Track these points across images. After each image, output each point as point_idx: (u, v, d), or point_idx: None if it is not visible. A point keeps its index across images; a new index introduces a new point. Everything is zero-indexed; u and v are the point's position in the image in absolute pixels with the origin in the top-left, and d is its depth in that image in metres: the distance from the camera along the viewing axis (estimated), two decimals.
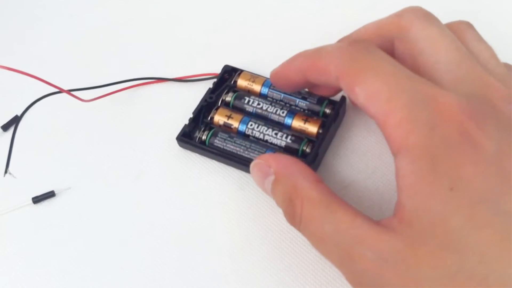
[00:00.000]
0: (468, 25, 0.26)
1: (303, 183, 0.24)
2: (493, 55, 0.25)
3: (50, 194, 0.31)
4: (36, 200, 0.31)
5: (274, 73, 0.28)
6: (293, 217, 0.24)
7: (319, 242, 0.23)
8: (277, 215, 0.29)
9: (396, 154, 0.22)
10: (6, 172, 0.30)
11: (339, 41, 0.29)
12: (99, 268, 0.29)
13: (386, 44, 0.26)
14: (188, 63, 0.36)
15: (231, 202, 0.30)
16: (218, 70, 0.33)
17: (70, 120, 0.34)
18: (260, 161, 0.26)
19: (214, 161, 0.31)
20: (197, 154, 0.31)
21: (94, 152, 0.32)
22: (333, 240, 0.22)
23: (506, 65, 0.26)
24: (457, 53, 0.24)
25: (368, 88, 0.23)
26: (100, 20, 0.39)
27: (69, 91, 0.31)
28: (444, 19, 0.26)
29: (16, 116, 0.34)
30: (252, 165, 0.26)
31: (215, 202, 0.30)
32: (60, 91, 0.31)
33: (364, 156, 0.30)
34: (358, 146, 0.31)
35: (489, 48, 0.26)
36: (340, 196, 0.24)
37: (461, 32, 0.26)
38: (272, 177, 0.25)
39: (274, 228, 0.29)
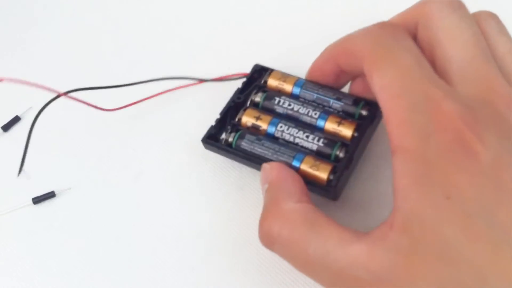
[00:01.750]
0: (491, 16, 0.25)
1: (285, 203, 0.24)
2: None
3: (50, 195, 0.31)
4: (37, 200, 0.31)
5: (309, 70, 0.29)
6: (266, 235, 0.23)
7: (305, 265, 0.22)
8: None
9: (393, 152, 0.22)
10: (20, 172, 0.30)
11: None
12: (99, 268, 0.28)
13: (410, 31, 0.25)
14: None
15: (231, 202, 0.30)
16: (246, 70, 0.31)
17: (71, 120, 0.34)
18: (267, 166, 0.26)
19: (214, 162, 0.31)
20: (197, 155, 0.31)
21: (94, 152, 0.32)
22: (321, 263, 0.21)
23: None
24: (472, 49, 0.23)
25: (383, 78, 0.23)
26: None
27: (91, 104, 0.30)
28: None
29: (17, 116, 0.34)
30: (262, 166, 0.26)
31: (215, 202, 0.30)
32: (71, 98, 0.30)
33: None
34: None
35: (509, 41, 0.25)
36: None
37: (481, 23, 0.25)
38: (266, 185, 0.25)
39: None
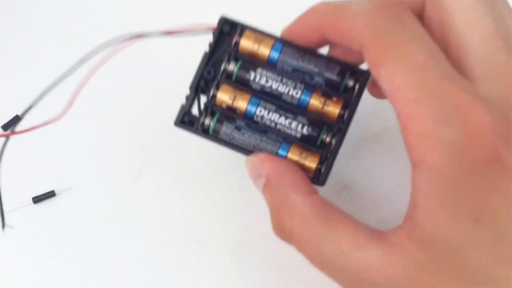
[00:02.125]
0: None
1: (294, 197, 0.22)
2: None
3: (50, 194, 0.31)
4: (36, 200, 0.31)
5: (287, 32, 0.24)
6: (282, 231, 0.22)
7: (321, 264, 0.21)
8: None
9: (414, 166, 0.19)
10: (3, 226, 0.30)
11: None
12: (99, 268, 0.29)
13: (415, 7, 0.22)
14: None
15: (231, 202, 0.30)
16: (206, 21, 0.25)
17: (70, 120, 0.34)
18: (254, 160, 0.24)
19: (213, 160, 0.31)
20: (196, 151, 0.30)
21: (94, 151, 0.32)
22: (336, 264, 0.20)
23: None
24: (495, 39, 0.20)
25: (394, 76, 0.19)
26: None
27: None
28: None
29: (17, 116, 0.34)
30: (246, 160, 0.24)
31: (215, 202, 0.30)
32: None
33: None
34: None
35: None
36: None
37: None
38: (263, 180, 0.23)
39: None
